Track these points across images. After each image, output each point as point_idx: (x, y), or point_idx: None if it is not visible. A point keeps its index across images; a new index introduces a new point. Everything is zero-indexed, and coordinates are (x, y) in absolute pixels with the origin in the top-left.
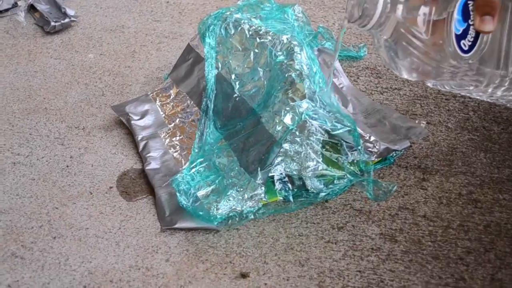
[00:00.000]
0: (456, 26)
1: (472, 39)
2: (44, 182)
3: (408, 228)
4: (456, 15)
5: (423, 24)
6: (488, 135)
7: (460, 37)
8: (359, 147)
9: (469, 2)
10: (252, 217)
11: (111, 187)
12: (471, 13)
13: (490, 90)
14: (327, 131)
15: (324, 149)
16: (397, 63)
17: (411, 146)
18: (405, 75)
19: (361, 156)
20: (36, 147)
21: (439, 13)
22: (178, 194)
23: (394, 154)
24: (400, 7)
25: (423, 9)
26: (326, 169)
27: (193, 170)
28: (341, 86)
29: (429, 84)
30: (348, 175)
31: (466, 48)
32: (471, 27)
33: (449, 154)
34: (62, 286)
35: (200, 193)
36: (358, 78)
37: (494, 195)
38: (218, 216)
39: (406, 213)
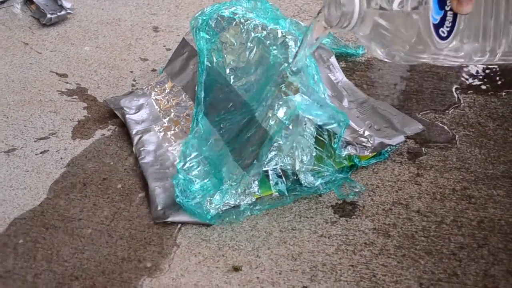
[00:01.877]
0: (433, 15)
1: (450, 25)
2: (37, 174)
3: (402, 223)
4: (432, 4)
5: (400, 17)
6: (483, 131)
7: (438, 26)
8: (342, 138)
9: None
10: (249, 213)
11: (104, 179)
12: None
13: (472, 62)
14: (316, 127)
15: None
16: (382, 55)
17: (406, 141)
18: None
19: (357, 150)
20: (30, 139)
21: (415, 3)
22: (176, 189)
23: (389, 149)
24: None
25: (398, 1)
26: (315, 164)
27: (187, 164)
28: (336, 81)
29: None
30: (329, 171)
31: (445, 35)
32: (448, 12)
33: (444, 150)
34: (54, 277)
35: (195, 187)
36: (354, 73)
37: (488, 191)
38: (212, 211)
39: (399, 208)
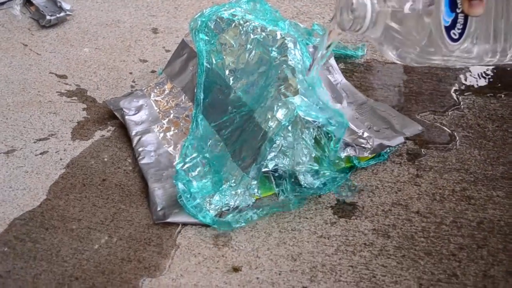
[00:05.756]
0: (444, 18)
1: (461, 27)
2: (37, 175)
3: (401, 224)
4: (443, 6)
5: (411, 19)
6: (483, 132)
7: (449, 28)
8: (341, 139)
9: None
10: (256, 217)
11: (104, 180)
12: (458, 1)
13: (483, 63)
14: (315, 128)
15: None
16: (394, 57)
17: (405, 142)
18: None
19: (356, 151)
20: (30, 140)
21: (427, 4)
22: (178, 190)
23: (388, 150)
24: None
25: (410, 2)
26: (314, 165)
27: (186, 165)
28: (335, 83)
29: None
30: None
31: (456, 37)
32: (459, 14)
33: (443, 151)
34: (54, 278)
35: (194, 188)
36: (353, 74)
37: (488, 192)
38: (211, 212)
39: (399, 209)
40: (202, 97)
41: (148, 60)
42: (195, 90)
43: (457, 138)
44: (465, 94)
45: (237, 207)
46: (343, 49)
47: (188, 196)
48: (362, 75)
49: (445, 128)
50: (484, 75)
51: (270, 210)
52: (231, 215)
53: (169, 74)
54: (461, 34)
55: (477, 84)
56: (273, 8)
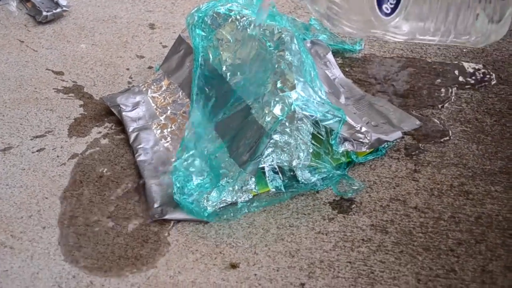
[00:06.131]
0: None
1: (394, 2)
2: (34, 172)
3: (399, 220)
4: None
5: None
6: (481, 127)
7: (381, 2)
8: (339, 134)
9: None
10: (246, 210)
11: (101, 176)
12: None
13: (424, 41)
14: (313, 123)
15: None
16: (334, 28)
17: (403, 137)
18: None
19: (354, 146)
20: (27, 137)
21: None
22: (174, 187)
23: (386, 145)
24: None
25: None
26: (312, 161)
27: (184, 162)
28: (333, 78)
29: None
30: (327, 167)
31: (388, 12)
32: None
33: (441, 146)
34: (52, 276)
35: (192, 184)
36: (351, 69)
37: (486, 187)
38: (209, 208)
39: (397, 205)
40: (198, 93)
41: (145, 56)
42: (192, 86)
43: (455, 132)
44: (464, 88)
45: (234, 203)
46: (341, 44)
47: (185, 192)
48: (360, 69)
49: (443, 123)
50: (482, 69)
51: (262, 203)
52: (228, 211)
53: (166, 71)
54: (393, 10)
55: (475, 79)
56: None
